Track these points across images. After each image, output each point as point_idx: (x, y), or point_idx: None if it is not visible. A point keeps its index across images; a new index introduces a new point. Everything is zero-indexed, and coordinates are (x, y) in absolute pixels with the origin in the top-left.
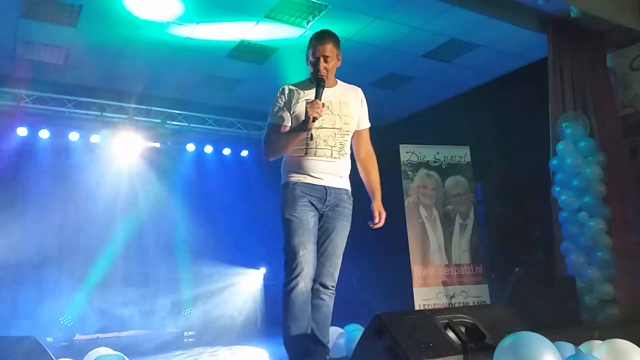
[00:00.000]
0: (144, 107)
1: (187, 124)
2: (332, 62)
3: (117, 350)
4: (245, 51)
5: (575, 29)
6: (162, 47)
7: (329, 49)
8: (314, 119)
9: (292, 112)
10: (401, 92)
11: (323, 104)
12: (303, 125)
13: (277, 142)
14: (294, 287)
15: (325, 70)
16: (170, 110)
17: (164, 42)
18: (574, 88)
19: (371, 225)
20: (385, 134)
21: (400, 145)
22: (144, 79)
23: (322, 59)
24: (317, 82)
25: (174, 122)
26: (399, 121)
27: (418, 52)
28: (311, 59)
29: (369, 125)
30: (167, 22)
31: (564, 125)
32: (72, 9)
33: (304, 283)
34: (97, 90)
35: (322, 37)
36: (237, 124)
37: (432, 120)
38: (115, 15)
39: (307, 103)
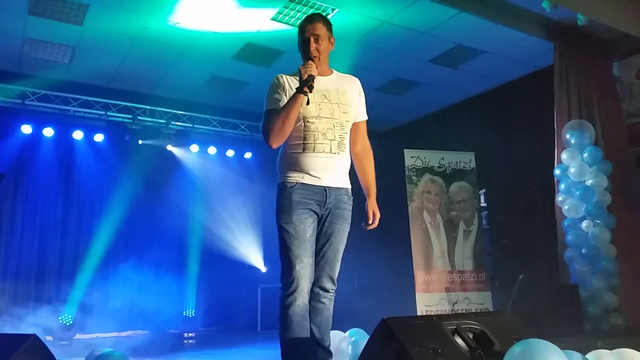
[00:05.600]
0: (149, 107)
1: (191, 125)
2: (323, 43)
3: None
4: (252, 53)
5: (582, 38)
6: (168, 47)
7: (319, 27)
8: (311, 78)
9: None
10: (407, 97)
11: (315, 65)
12: (299, 89)
13: (277, 118)
14: (291, 304)
15: (316, 52)
16: (174, 111)
17: (169, 42)
18: (579, 96)
19: (364, 227)
20: (390, 138)
21: (405, 149)
22: (149, 79)
23: (312, 38)
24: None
25: (178, 123)
26: (404, 126)
27: (424, 58)
28: (301, 40)
29: (366, 117)
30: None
31: (569, 133)
32: (80, 8)
33: (301, 299)
34: (102, 89)
35: (311, 17)
36: (241, 126)
37: (437, 126)
38: (122, 15)
39: (299, 67)
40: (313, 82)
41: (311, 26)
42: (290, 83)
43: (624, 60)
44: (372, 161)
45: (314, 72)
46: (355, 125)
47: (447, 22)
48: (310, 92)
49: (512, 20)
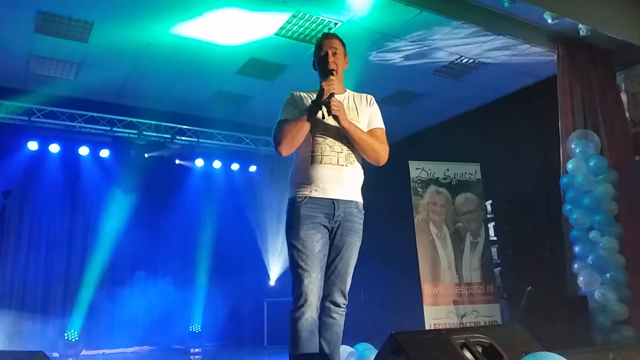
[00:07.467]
0: (154, 122)
1: (196, 140)
2: (340, 59)
3: None
4: (255, 68)
5: (584, 47)
6: (172, 63)
7: (336, 42)
8: (331, 95)
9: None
10: (410, 108)
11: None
12: (316, 102)
13: (292, 126)
14: (299, 318)
15: (334, 64)
16: (179, 126)
17: (174, 58)
18: (584, 106)
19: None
20: (395, 151)
21: (410, 161)
22: (154, 95)
23: (330, 52)
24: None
25: (183, 138)
26: (408, 138)
27: (428, 69)
28: (320, 54)
29: (381, 125)
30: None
31: (574, 143)
32: (85, 25)
33: (309, 314)
34: (108, 105)
35: (327, 34)
36: (245, 140)
37: (441, 137)
38: (127, 32)
39: (321, 81)
40: (331, 97)
41: (328, 41)
42: (304, 99)
43: (628, 70)
44: (381, 146)
45: (336, 90)
46: (371, 132)
47: (450, 34)
48: (329, 113)
49: (515, 31)
